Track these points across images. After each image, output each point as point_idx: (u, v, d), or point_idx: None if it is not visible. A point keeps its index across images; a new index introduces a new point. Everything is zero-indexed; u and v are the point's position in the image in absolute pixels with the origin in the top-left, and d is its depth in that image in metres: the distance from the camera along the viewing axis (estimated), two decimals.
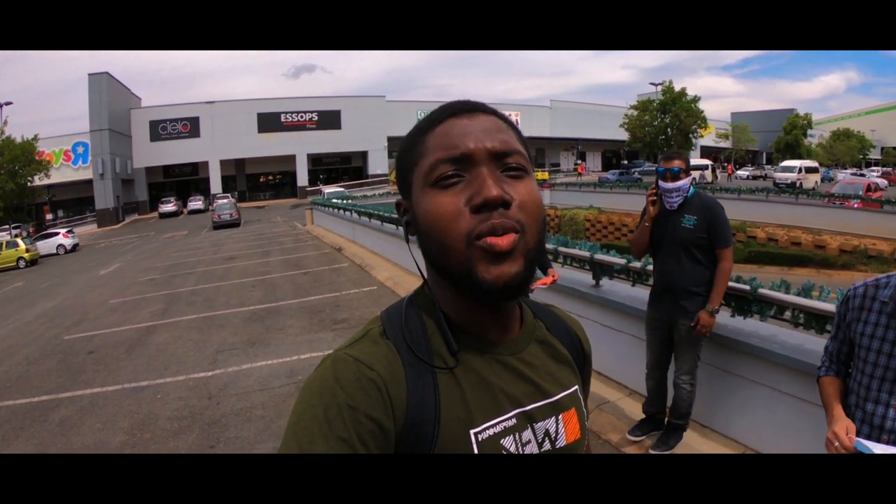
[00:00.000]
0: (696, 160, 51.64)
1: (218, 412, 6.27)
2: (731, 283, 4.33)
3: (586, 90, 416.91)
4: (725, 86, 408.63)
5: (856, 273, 20.04)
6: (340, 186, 46.54)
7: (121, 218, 49.48)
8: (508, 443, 0.91)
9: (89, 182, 48.20)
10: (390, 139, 58.48)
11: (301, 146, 57.40)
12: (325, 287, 12.95)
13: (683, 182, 4.09)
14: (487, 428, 0.90)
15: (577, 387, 1.06)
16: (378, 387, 0.85)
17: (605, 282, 6.06)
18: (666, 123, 47.19)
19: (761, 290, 4.22)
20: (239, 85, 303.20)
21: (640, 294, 5.39)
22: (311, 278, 14.41)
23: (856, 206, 24.26)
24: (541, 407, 0.97)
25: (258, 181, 62.15)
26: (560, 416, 0.99)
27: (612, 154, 77.07)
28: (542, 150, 70.71)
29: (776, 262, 22.35)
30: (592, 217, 31.15)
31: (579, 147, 72.55)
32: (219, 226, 35.27)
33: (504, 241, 0.85)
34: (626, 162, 68.91)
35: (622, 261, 5.72)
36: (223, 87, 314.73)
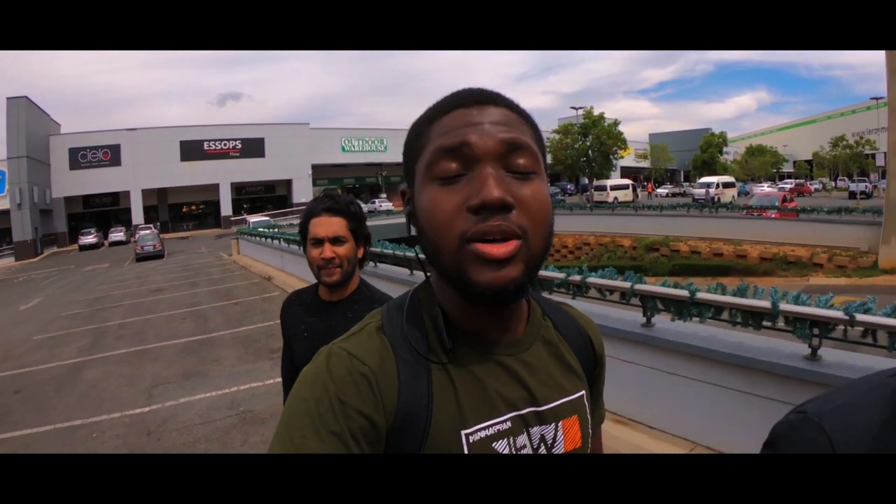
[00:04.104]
0: (616, 180, 53.19)
1: (159, 448, 6.23)
2: (670, 290, 4.59)
3: None
4: (642, 108, 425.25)
5: (776, 279, 21.16)
6: (266, 215, 45.89)
7: (39, 250, 47.18)
8: (501, 446, 0.88)
9: (6, 213, 45.67)
10: (315, 167, 58.28)
11: (225, 175, 56.40)
12: (258, 316, 12.90)
13: None
14: (479, 430, 0.87)
15: (582, 392, 1.01)
16: (369, 381, 0.84)
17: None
18: (587, 146, 48.40)
19: (699, 294, 4.48)
20: (163, 112, 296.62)
21: (583, 306, 5.30)
22: (242, 308, 14.32)
23: (773, 216, 25.80)
24: (539, 412, 0.93)
25: (181, 211, 60.70)
26: (560, 423, 0.95)
27: None
28: None
29: (700, 274, 23.16)
30: None
31: None
32: (142, 257, 34.24)
33: (502, 250, 0.81)
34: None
35: (561, 275, 5.88)
36: (146, 114, 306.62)
